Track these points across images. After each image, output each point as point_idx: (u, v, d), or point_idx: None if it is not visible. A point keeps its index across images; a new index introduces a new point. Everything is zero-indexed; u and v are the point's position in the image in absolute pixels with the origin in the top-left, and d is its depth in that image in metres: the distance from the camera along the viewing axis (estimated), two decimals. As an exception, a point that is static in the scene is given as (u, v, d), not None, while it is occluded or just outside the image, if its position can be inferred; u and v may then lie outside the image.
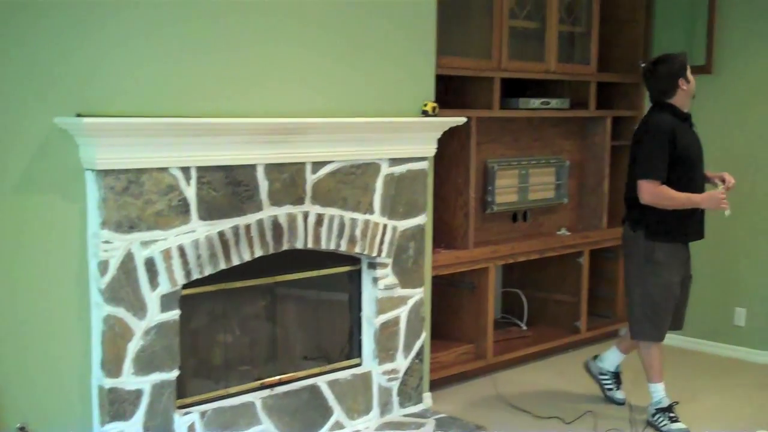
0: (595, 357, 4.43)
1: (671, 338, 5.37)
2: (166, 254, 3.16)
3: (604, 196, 5.35)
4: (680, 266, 4.00)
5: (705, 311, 5.25)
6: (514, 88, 4.93)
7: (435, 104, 3.98)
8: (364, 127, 3.71)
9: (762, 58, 4.96)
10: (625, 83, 5.46)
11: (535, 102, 4.86)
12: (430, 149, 4.03)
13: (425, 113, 3.96)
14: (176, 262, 3.19)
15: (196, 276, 3.26)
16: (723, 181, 3.97)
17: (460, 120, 4.09)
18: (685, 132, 3.92)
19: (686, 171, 3.90)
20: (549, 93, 5.07)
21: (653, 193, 3.85)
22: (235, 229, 3.35)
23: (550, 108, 4.95)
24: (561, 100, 5.02)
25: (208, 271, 3.29)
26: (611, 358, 4.36)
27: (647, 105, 5.39)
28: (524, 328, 5.26)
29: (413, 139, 3.94)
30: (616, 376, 4.37)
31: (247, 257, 3.40)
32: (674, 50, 5.22)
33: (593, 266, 5.35)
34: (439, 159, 4.30)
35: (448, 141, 4.32)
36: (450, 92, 4.52)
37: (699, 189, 3.94)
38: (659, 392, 4.04)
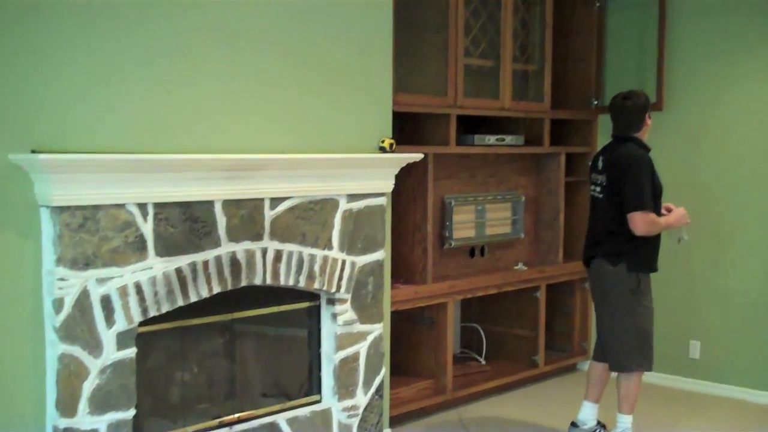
0: (573, 424, 4.28)
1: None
2: (123, 291, 3.13)
3: (560, 231, 5.42)
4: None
5: (660, 344, 5.30)
6: (471, 125, 5.01)
7: (392, 140, 4.02)
8: (323, 163, 3.73)
9: (709, 95, 5.10)
10: (578, 120, 5.58)
11: (491, 139, 4.94)
12: (388, 185, 4.07)
13: (383, 149, 4.00)
14: (133, 299, 3.16)
15: (153, 313, 3.23)
16: (669, 210, 4.11)
17: (417, 156, 4.14)
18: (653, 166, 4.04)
19: (657, 202, 4.02)
20: (504, 130, 5.15)
21: (647, 222, 3.92)
22: (193, 266, 3.33)
23: (506, 144, 5.02)
24: (516, 136, 5.10)
25: (165, 308, 3.26)
26: (588, 413, 4.25)
27: (600, 141, 5.59)
28: (483, 362, 5.28)
29: (371, 175, 3.97)
30: (603, 426, 4.26)
31: (204, 294, 3.38)
32: (626, 88, 5.42)
33: (550, 300, 5.41)
34: (397, 195, 4.34)
35: (406, 177, 4.36)
36: (407, 129, 4.57)
37: None
38: (627, 423, 4.05)
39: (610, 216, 4.00)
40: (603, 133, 5.59)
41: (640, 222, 3.91)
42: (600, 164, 4.13)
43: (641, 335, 4.02)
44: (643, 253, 4.00)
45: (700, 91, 5.13)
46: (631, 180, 3.93)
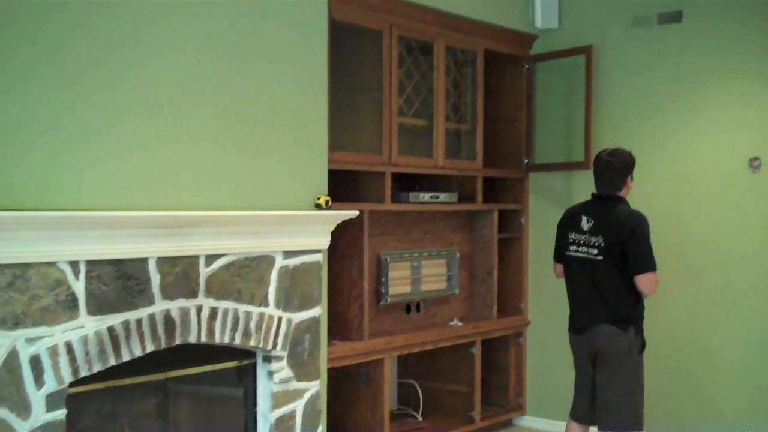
0: None
1: (560, 425, 5.52)
2: (53, 351, 3.07)
3: (494, 287, 5.50)
4: None
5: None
6: (405, 183, 5.09)
7: (328, 198, 4.06)
8: (258, 220, 3.74)
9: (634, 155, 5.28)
10: (510, 178, 5.71)
11: (425, 196, 5.02)
12: (324, 242, 4.09)
13: (318, 206, 4.03)
14: (63, 360, 3.09)
15: (84, 373, 3.16)
16: None
17: (353, 213, 4.18)
18: None
19: None
20: (438, 187, 5.24)
21: (656, 282, 3.93)
22: (126, 324, 3.29)
23: (440, 202, 5.11)
24: (450, 194, 5.19)
25: (97, 368, 3.20)
26: None
27: (532, 199, 5.73)
28: (420, 419, 5.27)
29: (307, 232, 3.99)
30: None
31: (138, 353, 3.33)
32: (555, 148, 5.60)
33: (485, 356, 5.46)
34: (333, 251, 4.37)
35: (342, 233, 4.40)
36: (343, 186, 4.62)
37: None
38: None
39: (616, 280, 3.95)
40: (534, 191, 5.73)
41: (652, 283, 3.91)
42: (585, 224, 4.06)
43: (642, 396, 4.04)
44: (642, 317, 4.07)
45: (626, 150, 5.31)
46: (639, 241, 3.91)
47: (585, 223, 4.07)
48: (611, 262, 3.96)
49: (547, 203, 5.68)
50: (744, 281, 4.83)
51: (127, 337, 3.29)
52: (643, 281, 3.92)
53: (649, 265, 3.92)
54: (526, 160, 5.66)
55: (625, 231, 3.94)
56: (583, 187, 5.45)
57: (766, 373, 4.76)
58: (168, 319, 3.43)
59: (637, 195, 5.11)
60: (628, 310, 4.00)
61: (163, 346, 3.42)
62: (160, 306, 3.40)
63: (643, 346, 4.05)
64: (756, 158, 4.83)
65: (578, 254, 4.09)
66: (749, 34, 4.85)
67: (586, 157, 5.34)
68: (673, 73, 5.12)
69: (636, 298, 3.99)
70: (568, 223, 4.18)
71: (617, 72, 5.33)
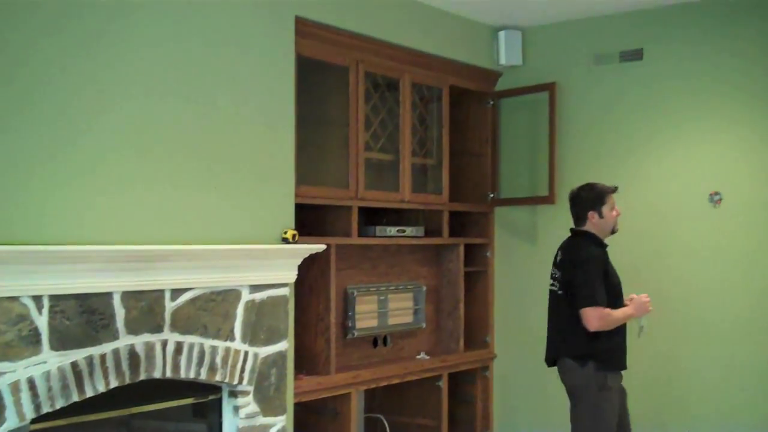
0: None
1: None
2: (14, 387, 3.03)
3: (460, 320, 5.53)
4: (622, 394, 4.07)
5: (558, 430, 5.42)
6: (372, 217, 5.12)
7: (295, 231, 4.08)
8: (225, 254, 3.75)
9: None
10: (476, 212, 5.76)
11: (392, 230, 5.05)
12: (291, 276, 4.10)
13: (285, 240, 4.04)
14: (25, 396, 3.06)
15: (46, 409, 3.13)
16: (632, 300, 4.06)
17: (320, 247, 4.20)
18: (608, 260, 4.04)
19: (615, 298, 3.98)
20: (405, 221, 5.28)
21: (600, 317, 3.86)
22: (90, 360, 3.26)
23: (406, 236, 5.14)
24: (416, 228, 5.23)
25: (59, 404, 3.16)
26: None
27: (497, 233, 5.78)
28: (387, 454, 5.26)
29: (274, 266, 4.00)
30: None
31: (101, 388, 3.30)
32: (520, 183, 5.66)
33: (452, 389, 5.46)
34: (300, 285, 4.37)
35: (309, 267, 4.41)
36: (310, 220, 4.64)
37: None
38: None
39: (569, 313, 3.95)
40: (500, 225, 5.79)
41: (592, 318, 3.86)
42: (557, 258, 4.12)
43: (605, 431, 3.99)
44: (611, 353, 3.96)
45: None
46: (581, 276, 3.91)
47: (557, 258, 4.14)
48: (565, 296, 4.00)
49: (512, 237, 5.74)
50: (712, 310, 4.88)
51: (91, 373, 3.26)
52: (583, 316, 3.89)
53: (587, 300, 3.88)
54: (492, 195, 5.72)
55: (569, 265, 4.01)
56: (548, 221, 5.54)
57: (736, 392, 4.83)
58: (132, 354, 3.40)
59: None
60: (584, 345, 3.95)
61: (128, 381, 3.39)
62: (124, 341, 3.37)
63: (605, 382, 3.94)
64: (716, 193, 4.93)
65: (551, 288, 4.15)
66: (709, 72, 4.97)
67: (551, 191, 5.43)
68: (635, 109, 5.24)
69: (594, 334, 3.92)
70: (554, 258, 4.21)
71: (580, 108, 5.44)
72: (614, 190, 4.11)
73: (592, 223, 4.08)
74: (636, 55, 5.24)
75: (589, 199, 4.10)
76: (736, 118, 4.90)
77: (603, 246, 4.09)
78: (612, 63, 5.32)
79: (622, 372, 4.05)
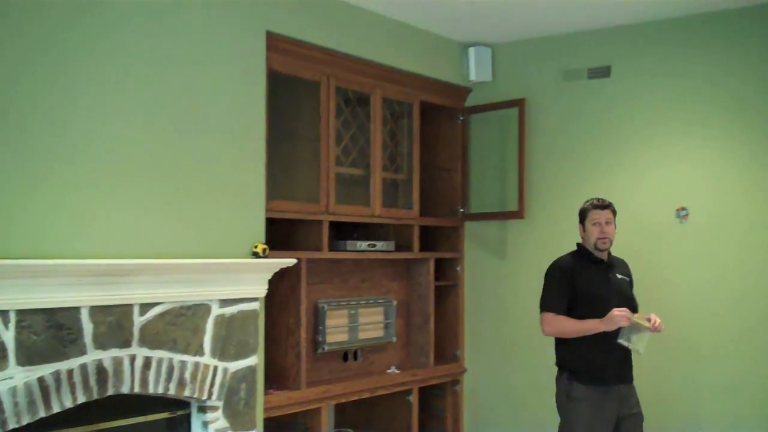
0: None
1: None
2: (-20, 403, 2.99)
3: (431, 335, 5.54)
4: (607, 406, 3.99)
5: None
6: (343, 231, 5.13)
7: (265, 246, 4.08)
8: (194, 268, 3.73)
9: (564, 204, 5.40)
10: (446, 227, 5.79)
11: (362, 244, 5.06)
12: (261, 290, 4.09)
13: (256, 255, 4.04)
14: (-9, 411, 3.02)
15: (12, 426, 3.08)
16: (649, 320, 3.91)
17: (290, 261, 4.20)
18: (588, 272, 4.09)
19: (591, 310, 3.97)
20: (375, 236, 5.29)
21: (547, 322, 4.05)
22: (57, 375, 3.23)
23: (377, 250, 5.15)
24: (387, 242, 5.24)
25: (25, 420, 3.13)
26: None
27: (467, 247, 5.82)
28: (357, 468, 5.25)
29: (244, 280, 3.99)
30: None
31: (69, 404, 3.27)
32: (490, 198, 5.70)
33: (422, 403, 5.47)
34: (270, 299, 4.37)
35: (279, 282, 4.40)
36: (280, 235, 4.63)
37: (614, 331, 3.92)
38: None
39: None
40: (470, 240, 5.83)
41: (542, 322, 4.08)
42: None
43: None
44: (580, 363, 4.01)
45: (558, 201, 5.44)
46: (544, 284, 4.15)
47: None
48: None
49: (482, 252, 5.78)
50: (679, 324, 4.88)
51: (58, 388, 3.23)
52: (540, 320, 4.12)
53: (543, 306, 4.11)
54: (462, 210, 5.76)
55: None
56: (518, 235, 5.59)
57: (703, 404, 4.88)
58: (100, 369, 3.37)
59: (572, 244, 5.24)
60: (559, 354, 4.14)
61: (95, 396, 3.37)
62: (92, 356, 3.35)
63: (572, 392, 4.00)
64: (683, 208, 5.00)
65: None
66: (675, 89, 5.06)
67: (520, 206, 5.48)
68: (604, 125, 5.30)
69: (566, 342, 4.06)
70: None
71: (550, 124, 5.50)
72: (596, 205, 4.15)
73: (581, 237, 4.21)
74: (604, 72, 5.32)
75: (579, 213, 4.23)
76: (703, 135, 4.98)
77: (590, 258, 4.14)
78: (580, 79, 5.39)
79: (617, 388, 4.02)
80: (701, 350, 4.89)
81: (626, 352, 3.99)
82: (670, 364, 4.97)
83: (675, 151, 5.07)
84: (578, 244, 4.23)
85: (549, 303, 4.08)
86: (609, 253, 4.19)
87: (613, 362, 4.00)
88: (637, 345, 3.91)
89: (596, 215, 4.12)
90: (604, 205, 4.14)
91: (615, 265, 4.18)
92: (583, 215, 4.19)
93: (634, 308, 4.06)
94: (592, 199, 4.22)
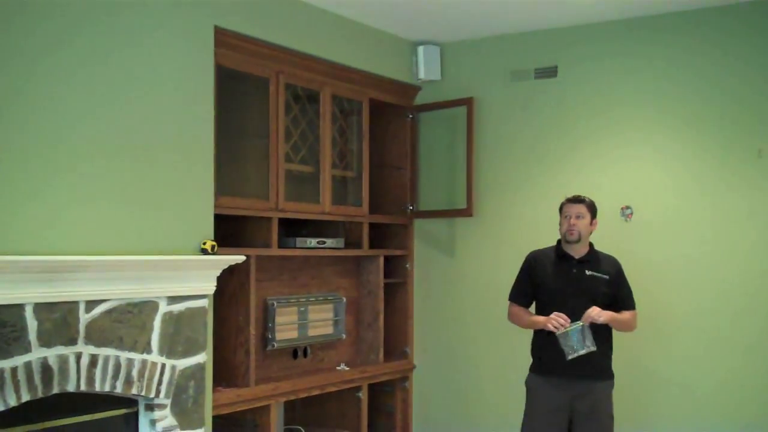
0: None
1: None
2: None
3: (380, 331, 5.57)
4: (552, 399, 4.11)
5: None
6: (292, 228, 5.12)
7: (214, 242, 4.05)
8: (141, 265, 3.69)
9: (512, 202, 5.49)
10: (396, 224, 5.82)
11: (312, 241, 5.06)
12: (210, 287, 4.07)
13: (204, 251, 4.02)
14: (-69, 411, 2.96)
15: (-47, 425, 3.04)
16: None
17: (239, 258, 4.18)
18: (552, 266, 4.20)
19: (548, 303, 4.15)
20: (325, 233, 5.29)
21: (509, 312, 4.36)
22: (0, 373, 3.16)
23: (326, 247, 5.16)
24: (336, 239, 5.25)
25: (-33, 419, 3.08)
26: None
27: (416, 245, 5.86)
28: (307, 465, 5.25)
29: (192, 277, 3.96)
30: None
31: (12, 402, 3.21)
32: (439, 196, 5.75)
33: (372, 400, 5.49)
34: (219, 296, 4.35)
35: (228, 279, 4.38)
36: (229, 231, 4.61)
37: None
38: None
39: None
40: (419, 237, 5.87)
41: (508, 310, 4.38)
42: None
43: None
44: (537, 354, 4.23)
45: (506, 199, 5.51)
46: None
47: None
48: None
49: (431, 249, 5.82)
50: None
51: (2, 387, 3.17)
52: None
53: (509, 295, 4.39)
54: (411, 207, 5.79)
55: None
56: (466, 233, 5.65)
57: (637, 399, 4.98)
58: (45, 368, 3.32)
59: (521, 242, 5.29)
60: (532, 344, 4.32)
61: (40, 395, 3.31)
62: (37, 354, 3.29)
63: (526, 384, 4.24)
64: (627, 207, 5.10)
65: None
66: (620, 89, 5.16)
67: (468, 204, 5.53)
68: (550, 125, 5.39)
69: (532, 334, 4.26)
70: None
71: (498, 123, 5.56)
72: (570, 199, 4.26)
73: (560, 228, 4.29)
74: (550, 72, 5.40)
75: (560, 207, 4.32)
76: (647, 133, 5.08)
77: (562, 254, 4.22)
78: (527, 79, 5.47)
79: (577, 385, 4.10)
80: (646, 346, 4.98)
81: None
82: (616, 360, 5.06)
83: (620, 151, 5.16)
84: (559, 239, 4.32)
85: (511, 293, 4.37)
86: (591, 250, 4.24)
87: (557, 353, 4.07)
88: (581, 348, 4.00)
89: (568, 209, 4.22)
90: (577, 200, 4.24)
91: (591, 261, 4.21)
92: (560, 209, 4.29)
93: (603, 306, 4.09)
94: (571, 195, 4.31)
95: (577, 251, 4.21)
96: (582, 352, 4.00)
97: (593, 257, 4.23)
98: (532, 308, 4.35)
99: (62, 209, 3.46)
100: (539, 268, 4.26)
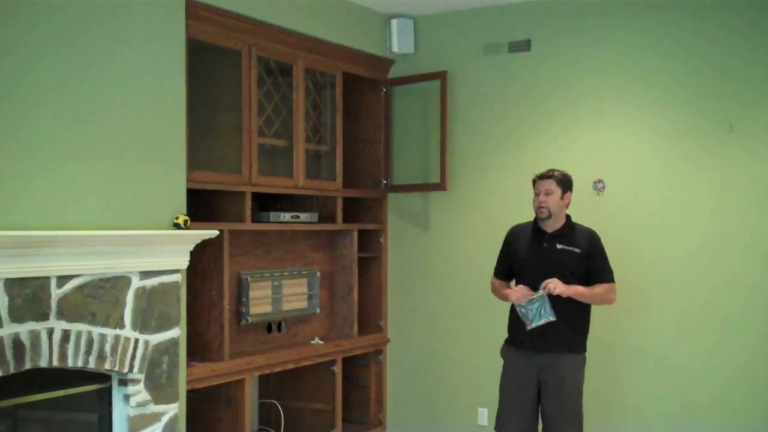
0: None
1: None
2: None
3: (354, 305, 5.58)
4: (522, 370, 4.20)
5: (450, 411, 5.57)
6: (266, 203, 5.10)
7: (186, 217, 4.03)
8: (113, 240, 3.66)
9: (486, 175, 5.50)
10: (370, 198, 5.82)
11: (286, 216, 5.05)
12: (183, 262, 4.05)
13: (177, 226, 3.99)
14: None
15: (-77, 402, 3.01)
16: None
17: (213, 233, 4.16)
18: (526, 241, 4.25)
19: (522, 277, 4.25)
20: (299, 207, 5.28)
21: (491, 285, 4.44)
22: (-29, 349, 3.15)
23: (300, 221, 5.15)
24: (310, 214, 5.24)
25: (-62, 395, 3.05)
26: None
27: (390, 219, 5.87)
28: (282, 439, 5.27)
29: (165, 252, 3.94)
30: None
31: (-17, 379, 3.20)
32: (413, 170, 5.74)
33: (346, 373, 5.52)
34: (193, 271, 4.33)
35: (201, 253, 4.37)
36: (202, 206, 4.59)
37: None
38: None
39: None
40: (393, 211, 5.87)
41: None
42: None
43: (499, 397, 4.31)
44: (512, 329, 4.30)
45: (480, 173, 5.53)
46: None
47: None
48: None
49: (405, 223, 5.83)
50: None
51: (-28, 363, 3.15)
52: None
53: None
54: (385, 181, 5.79)
55: None
56: (440, 207, 5.66)
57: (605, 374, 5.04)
58: (17, 343, 3.30)
59: (495, 215, 5.32)
60: None
61: (12, 371, 3.28)
62: (8, 329, 3.26)
63: (502, 352, 4.36)
64: (600, 180, 5.13)
65: None
66: (593, 63, 5.17)
67: (442, 178, 5.53)
68: (524, 98, 5.39)
69: (511, 305, 4.32)
70: None
71: (471, 97, 5.56)
72: (540, 175, 4.24)
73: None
74: (524, 46, 5.40)
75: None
76: (620, 107, 5.11)
77: (536, 228, 4.26)
78: (501, 53, 5.46)
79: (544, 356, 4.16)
80: (619, 321, 5.02)
81: (550, 324, 4.09)
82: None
83: (593, 124, 5.19)
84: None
85: (495, 267, 4.46)
86: (567, 224, 4.25)
87: (532, 331, 4.13)
88: (538, 318, 4.09)
89: (538, 185, 4.23)
90: (545, 176, 4.22)
91: (564, 235, 4.21)
92: (533, 184, 4.28)
93: (577, 280, 4.12)
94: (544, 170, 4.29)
95: (550, 226, 4.23)
96: (540, 322, 4.08)
97: (567, 231, 4.24)
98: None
99: (32, 184, 3.41)
100: (515, 243, 4.32)
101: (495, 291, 4.42)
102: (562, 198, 4.20)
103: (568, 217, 4.28)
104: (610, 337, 5.01)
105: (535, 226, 4.28)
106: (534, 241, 4.25)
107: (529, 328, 4.10)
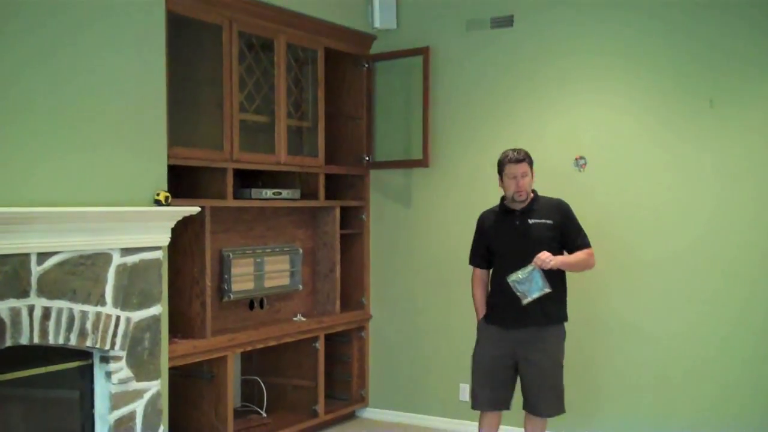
0: None
1: (402, 415, 5.68)
2: None
3: (337, 282, 5.58)
4: (497, 346, 4.22)
5: (432, 387, 5.60)
6: (248, 179, 5.07)
7: (167, 194, 4.00)
8: (94, 216, 3.63)
9: (468, 152, 5.49)
10: (352, 175, 5.80)
11: (268, 192, 5.02)
12: (164, 239, 4.02)
13: (158, 203, 3.96)
14: None
15: None
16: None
17: (194, 210, 4.13)
18: (498, 224, 4.26)
19: (502, 259, 4.23)
20: (281, 184, 5.26)
21: (472, 277, 4.40)
22: (-50, 327, 3.12)
23: (282, 198, 5.13)
24: (292, 190, 5.22)
25: None
26: None
27: (373, 195, 5.86)
28: (264, 415, 5.28)
29: (146, 229, 3.91)
30: None
31: (-37, 356, 3.17)
32: (395, 146, 5.73)
33: (329, 350, 5.53)
34: (174, 248, 4.31)
35: (183, 230, 4.34)
36: (184, 182, 4.55)
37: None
38: None
39: None
40: (375, 188, 5.86)
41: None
42: None
43: (472, 373, 4.31)
44: (491, 307, 4.31)
45: (461, 149, 5.52)
46: None
47: None
48: None
49: (387, 200, 5.82)
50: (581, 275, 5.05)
51: (-48, 340, 3.12)
52: None
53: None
54: (367, 158, 5.77)
55: None
56: (422, 184, 5.66)
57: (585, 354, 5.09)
58: (-3, 321, 3.28)
59: (477, 192, 5.31)
60: None
61: (-8, 348, 3.27)
62: (-12, 307, 3.24)
63: (479, 327, 4.37)
64: (581, 157, 5.14)
65: None
66: (575, 39, 5.15)
67: (425, 155, 5.52)
68: (506, 75, 5.37)
69: (491, 281, 4.35)
70: None
71: (454, 73, 5.53)
72: (512, 159, 4.17)
73: (500, 188, 4.27)
74: (506, 22, 5.37)
75: (497, 164, 4.26)
76: (601, 84, 5.10)
77: (505, 210, 4.25)
78: (483, 29, 5.44)
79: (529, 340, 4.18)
80: (598, 294, 5.06)
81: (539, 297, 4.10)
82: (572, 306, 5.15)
83: (575, 100, 5.18)
84: (502, 196, 4.31)
85: (470, 257, 4.44)
86: (534, 199, 4.25)
87: (510, 308, 4.14)
88: (535, 290, 4.06)
89: (512, 169, 4.17)
90: (519, 159, 4.18)
91: (535, 210, 4.21)
92: (500, 168, 4.22)
93: (555, 251, 4.12)
94: (507, 151, 4.23)
95: (519, 204, 4.24)
96: (536, 295, 4.07)
97: (535, 205, 4.24)
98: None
99: (11, 160, 3.37)
100: (488, 228, 4.32)
101: (473, 289, 4.40)
102: (532, 176, 4.24)
103: (534, 191, 4.29)
104: (592, 310, 5.04)
105: (503, 208, 4.28)
106: (506, 221, 4.25)
107: (525, 302, 4.08)
